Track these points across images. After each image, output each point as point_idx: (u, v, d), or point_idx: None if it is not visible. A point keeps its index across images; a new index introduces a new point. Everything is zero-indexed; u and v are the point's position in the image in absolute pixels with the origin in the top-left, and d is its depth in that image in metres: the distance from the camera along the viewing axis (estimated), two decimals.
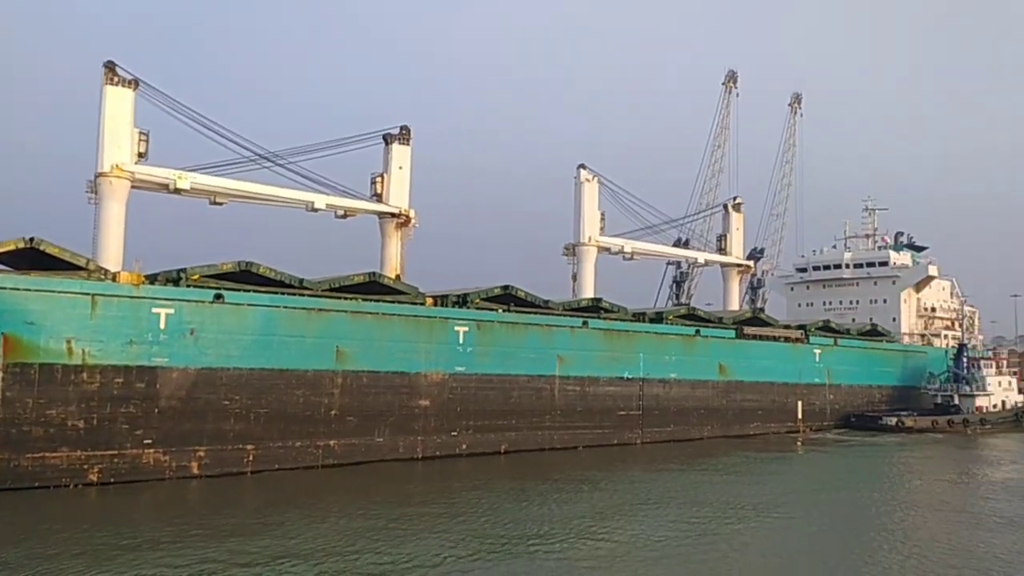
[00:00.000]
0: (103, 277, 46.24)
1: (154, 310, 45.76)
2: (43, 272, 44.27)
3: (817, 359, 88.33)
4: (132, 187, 56.51)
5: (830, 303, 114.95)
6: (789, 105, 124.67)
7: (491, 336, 60.58)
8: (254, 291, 50.22)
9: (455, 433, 57.63)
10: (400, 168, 68.14)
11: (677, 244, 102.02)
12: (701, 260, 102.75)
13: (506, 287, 63.54)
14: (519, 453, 59.95)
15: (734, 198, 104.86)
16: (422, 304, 58.49)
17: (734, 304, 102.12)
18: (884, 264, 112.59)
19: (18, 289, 41.95)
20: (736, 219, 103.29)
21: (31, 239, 43.50)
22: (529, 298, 65.08)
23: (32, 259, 44.88)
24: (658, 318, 76.46)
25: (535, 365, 62.93)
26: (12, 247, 43.34)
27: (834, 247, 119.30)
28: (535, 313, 65.04)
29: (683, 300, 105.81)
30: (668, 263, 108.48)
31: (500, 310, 62.91)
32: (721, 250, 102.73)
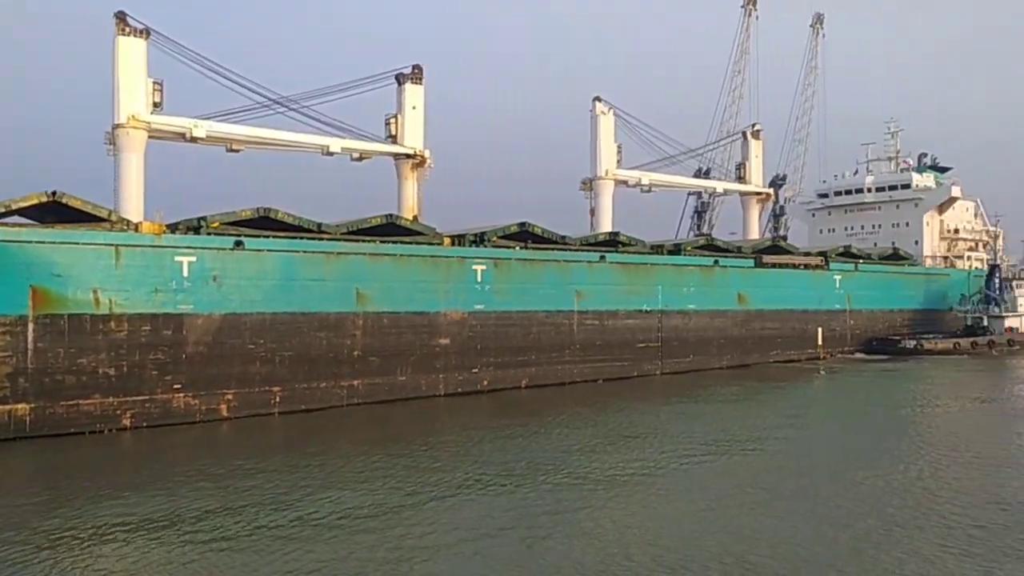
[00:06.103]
0: (125, 228, 47.13)
1: (177, 258, 46.76)
2: (67, 225, 45.22)
3: (837, 285, 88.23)
4: (149, 137, 57.08)
5: (852, 228, 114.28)
6: (811, 26, 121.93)
7: (509, 273, 61.16)
8: (273, 236, 51.06)
9: (476, 370, 58.78)
10: (414, 108, 68.03)
11: (698, 175, 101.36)
12: (720, 189, 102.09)
13: (523, 224, 63.84)
14: (539, 388, 61.12)
15: (753, 125, 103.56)
16: (439, 244, 59.09)
17: (754, 233, 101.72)
18: (906, 187, 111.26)
19: (44, 242, 42.92)
20: (755, 146, 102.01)
21: (53, 192, 44.21)
22: (546, 234, 65.38)
23: (55, 212, 45.83)
24: (676, 250, 76.49)
25: (554, 301, 63.56)
26: (35, 201, 44.13)
27: (856, 172, 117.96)
28: (552, 249, 65.42)
29: (704, 231, 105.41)
30: (688, 194, 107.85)
31: (517, 247, 63.33)
32: (740, 179, 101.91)
